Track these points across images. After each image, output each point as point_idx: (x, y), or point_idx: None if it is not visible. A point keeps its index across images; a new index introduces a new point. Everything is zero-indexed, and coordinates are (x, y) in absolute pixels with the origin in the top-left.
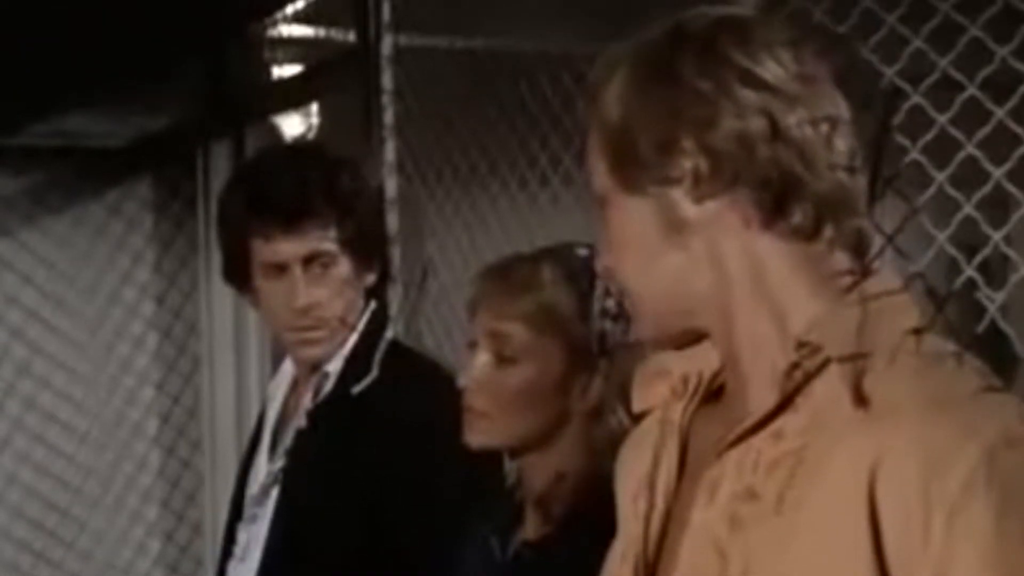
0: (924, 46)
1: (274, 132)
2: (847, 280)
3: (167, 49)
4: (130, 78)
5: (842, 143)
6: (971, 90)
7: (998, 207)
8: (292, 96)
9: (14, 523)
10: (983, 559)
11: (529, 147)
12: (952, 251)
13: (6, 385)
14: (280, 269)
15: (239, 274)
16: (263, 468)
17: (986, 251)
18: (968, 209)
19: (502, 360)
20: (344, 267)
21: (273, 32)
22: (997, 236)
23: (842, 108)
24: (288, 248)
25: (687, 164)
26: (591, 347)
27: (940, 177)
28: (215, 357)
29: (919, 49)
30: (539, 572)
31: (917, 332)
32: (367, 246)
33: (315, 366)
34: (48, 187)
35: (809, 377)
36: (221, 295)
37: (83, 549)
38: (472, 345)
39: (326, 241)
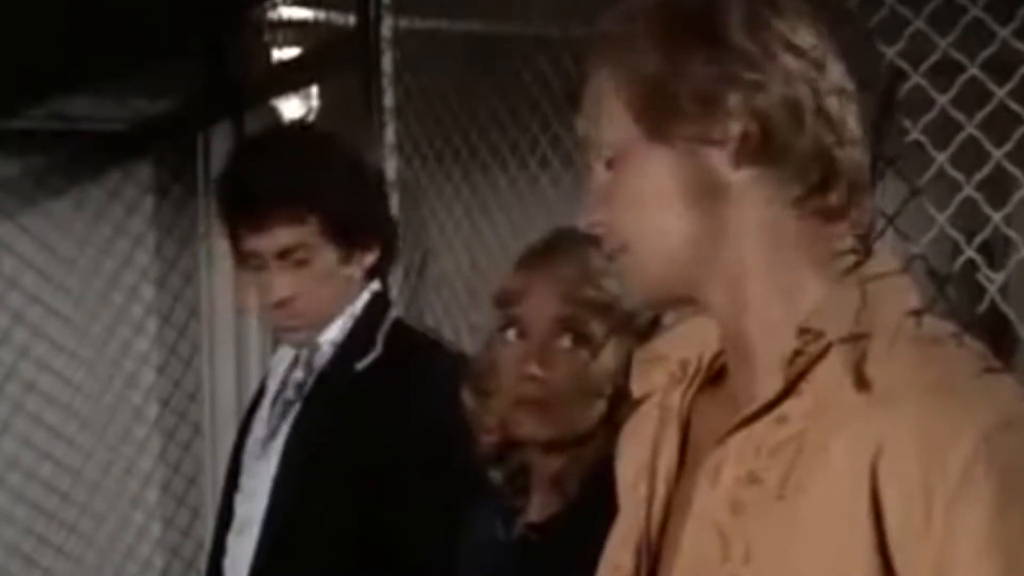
0: (924, 27)
1: (274, 115)
2: (849, 261)
3: (167, 32)
4: (130, 61)
5: (853, 120)
6: (972, 71)
7: (999, 188)
8: (292, 79)
9: (15, 507)
10: (983, 544)
11: (529, 129)
12: (953, 233)
13: (7, 368)
14: (259, 263)
15: (238, 260)
16: (259, 441)
17: (986, 232)
18: (968, 190)
19: (578, 344)
20: (328, 256)
21: (273, 15)
22: (997, 217)
23: (850, 84)
24: (258, 244)
25: (735, 127)
26: (642, 327)
27: (940, 158)
28: (215, 341)
29: (919, 30)
30: (543, 554)
31: (917, 314)
32: (355, 232)
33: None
34: (48, 170)
35: (813, 362)
36: (221, 279)
37: (84, 533)
38: (507, 330)
39: (302, 235)
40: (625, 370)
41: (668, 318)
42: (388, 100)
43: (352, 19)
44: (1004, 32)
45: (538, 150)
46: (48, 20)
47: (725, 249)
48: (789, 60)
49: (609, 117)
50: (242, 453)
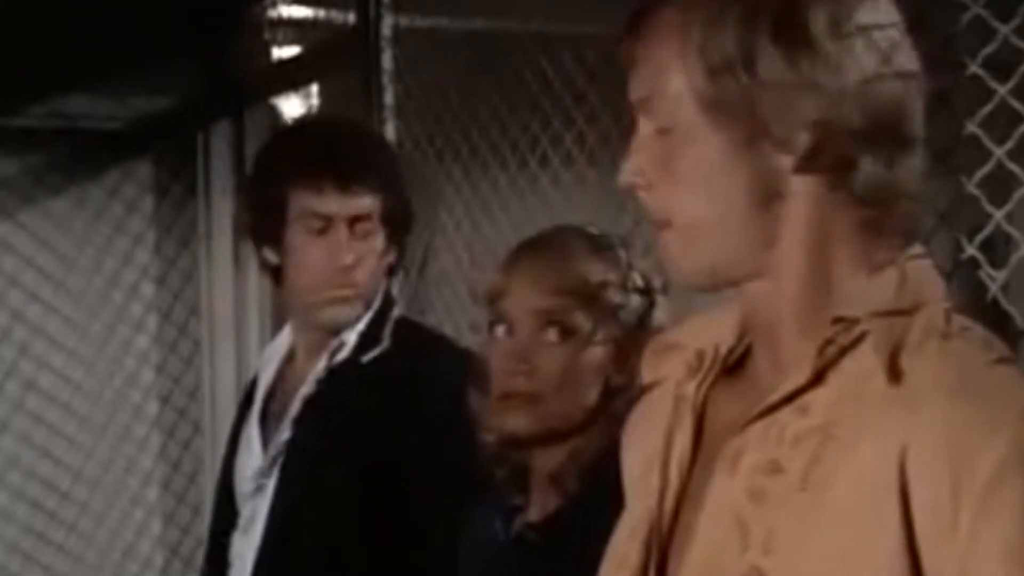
0: None
1: (274, 114)
2: (889, 254)
3: (167, 31)
4: (130, 59)
5: (919, 122)
6: (973, 68)
7: (1000, 186)
8: (292, 77)
9: (15, 505)
10: (1008, 550)
11: (530, 128)
12: (954, 230)
13: (6, 367)
14: (325, 227)
15: (270, 229)
16: (255, 436)
17: (988, 230)
18: (970, 188)
19: (563, 336)
20: (380, 238)
21: (272, 13)
22: (999, 215)
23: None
24: (338, 205)
25: (804, 135)
26: (630, 319)
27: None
28: (215, 339)
29: None
30: (542, 553)
31: (948, 305)
32: (397, 222)
33: (330, 333)
34: (48, 169)
35: (843, 352)
36: (222, 277)
37: (84, 531)
38: (496, 327)
39: (372, 207)
40: (614, 361)
41: (659, 312)
42: (388, 98)
43: (352, 17)
44: (1006, 29)
45: (538, 149)
46: (48, 20)
47: (771, 247)
48: (869, 64)
49: (676, 95)
50: (237, 448)
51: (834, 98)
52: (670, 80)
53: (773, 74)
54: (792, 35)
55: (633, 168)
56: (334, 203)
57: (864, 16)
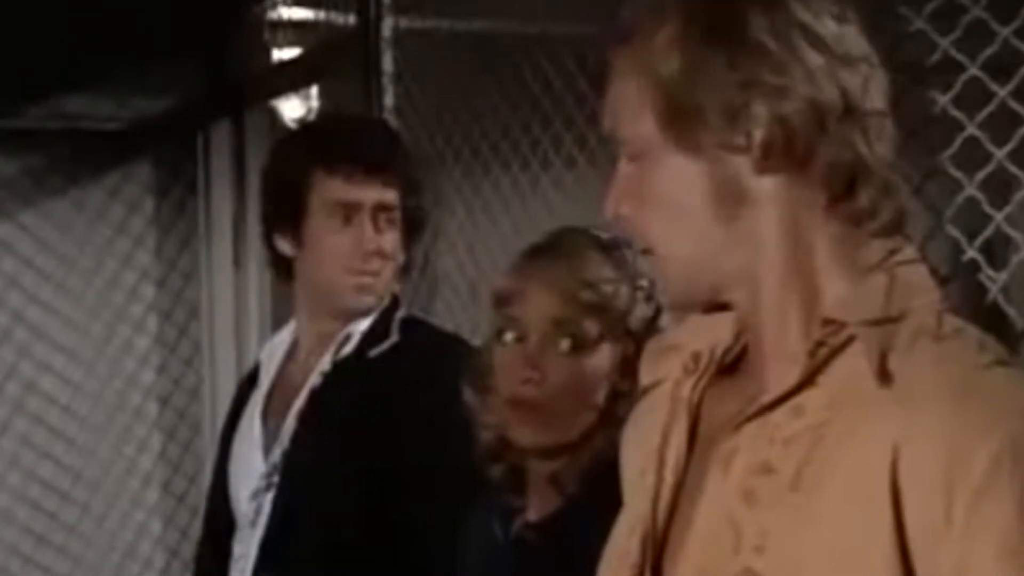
0: (926, 27)
1: (274, 115)
2: (879, 255)
3: (167, 31)
4: (130, 60)
5: (884, 113)
6: (972, 70)
7: (1000, 188)
8: (292, 79)
9: (15, 506)
10: (1004, 544)
11: (531, 129)
12: (954, 232)
13: (7, 368)
14: (349, 214)
15: (289, 218)
16: (257, 433)
17: (988, 232)
18: (970, 190)
19: (575, 345)
20: (398, 233)
21: (273, 15)
22: (999, 217)
23: (880, 75)
24: (365, 192)
25: (758, 134)
26: (638, 325)
27: (942, 157)
28: (215, 340)
29: (920, 30)
30: (541, 554)
31: (939, 307)
32: (413, 223)
33: (346, 322)
34: (48, 170)
35: (833, 354)
36: (222, 278)
37: (84, 532)
38: (505, 331)
39: (394, 200)
40: (620, 369)
41: (664, 318)
42: (388, 100)
43: (352, 19)
44: (1005, 32)
45: (539, 150)
46: (48, 20)
47: (747, 253)
48: (814, 57)
49: (635, 117)
50: (229, 449)
51: (781, 94)
52: (631, 105)
53: (717, 79)
54: (730, 38)
55: (613, 198)
56: (361, 191)
57: (803, 12)
